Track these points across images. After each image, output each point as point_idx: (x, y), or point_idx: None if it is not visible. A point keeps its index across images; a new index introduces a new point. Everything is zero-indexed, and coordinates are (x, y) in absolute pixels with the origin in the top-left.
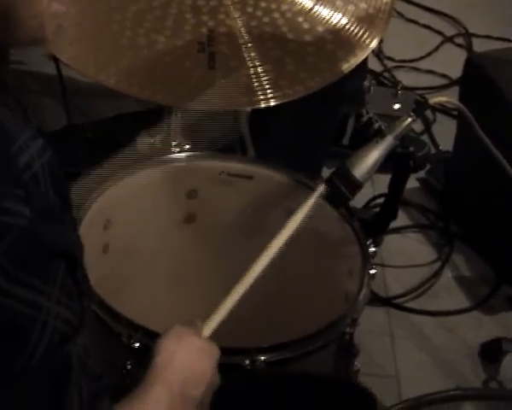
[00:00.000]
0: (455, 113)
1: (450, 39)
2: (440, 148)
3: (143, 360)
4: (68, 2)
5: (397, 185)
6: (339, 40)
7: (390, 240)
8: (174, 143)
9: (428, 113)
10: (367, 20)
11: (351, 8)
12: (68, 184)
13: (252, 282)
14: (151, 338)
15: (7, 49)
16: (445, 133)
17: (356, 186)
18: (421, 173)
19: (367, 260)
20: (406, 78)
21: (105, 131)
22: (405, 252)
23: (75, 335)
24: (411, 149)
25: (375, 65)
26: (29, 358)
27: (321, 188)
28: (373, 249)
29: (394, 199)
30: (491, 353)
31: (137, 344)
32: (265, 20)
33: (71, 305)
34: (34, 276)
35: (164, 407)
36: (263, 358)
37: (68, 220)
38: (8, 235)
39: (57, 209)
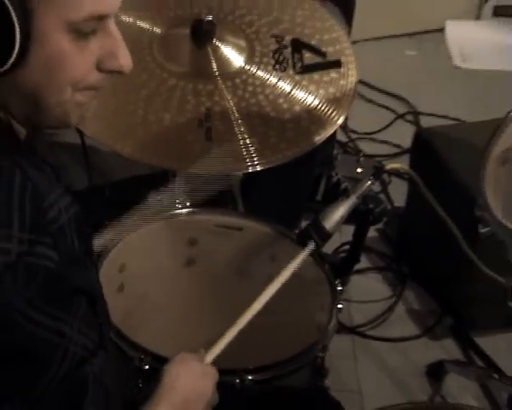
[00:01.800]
0: (406, 176)
1: (401, 116)
2: (395, 204)
3: (152, 380)
4: (91, 96)
5: (359, 236)
6: (312, 117)
7: (354, 279)
8: (178, 200)
9: (385, 176)
10: (335, 101)
11: (322, 91)
12: (91, 233)
13: (245, 323)
14: (158, 362)
15: (40, 128)
16: (399, 192)
17: (326, 236)
18: (379, 225)
19: (335, 296)
20: (366, 147)
21: (121, 191)
22: (366, 289)
23: (92, 358)
24: (371, 206)
25: (341, 136)
26: (51, 379)
27: (311, 246)
28: (340, 288)
29: (357, 246)
30: (435, 372)
31: (147, 367)
32: (252, 101)
33: (89, 333)
34: (59, 309)
35: None
36: (250, 377)
37: (90, 263)
38: (39, 275)
39: (80, 254)
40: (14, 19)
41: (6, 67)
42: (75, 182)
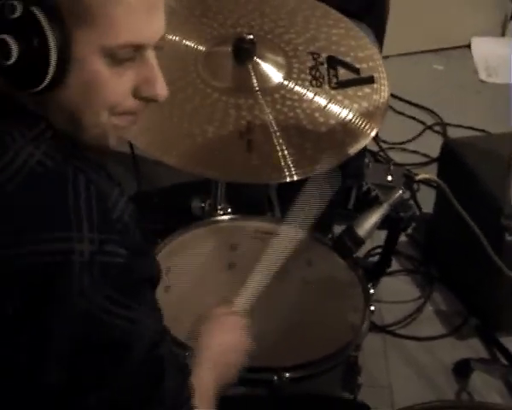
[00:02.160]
0: (434, 184)
1: (430, 127)
2: (423, 210)
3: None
4: (129, 121)
5: (391, 242)
6: (346, 130)
7: (385, 281)
8: (220, 207)
9: (414, 184)
10: (368, 115)
11: (355, 106)
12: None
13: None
14: None
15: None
16: (427, 199)
17: (360, 242)
18: (408, 230)
19: (368, 299)
20: (396, 156)
21: (167, 197)
22: (396, 290)
23: (163, 340)
24: (401, 214)
25: (373, 146)
26: (131, 364)
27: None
28: (372, 291)
29: (389, 252)
30: (462, 370)
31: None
32: (290, 114)
33: (157, 317)
34: (131, 299)
35: (211, 378)
36: (287, 375)
37: (149, 251)
38: (112, 271)
39: (142, 245)
40: (51, 41)
41: (42, 86)
42: (125, 188)
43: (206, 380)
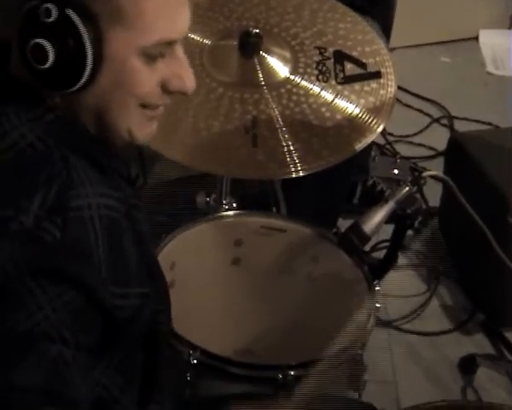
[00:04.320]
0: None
1: (436, 120)
2: (429, 204)
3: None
4: (153, 116)
5: (397, 238)
6: (353, 125)
7: (390, 276)
8: (225, 202)
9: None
10: (375, 110)
11: (362, 101)
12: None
13: None
14: (207, 356)
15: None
16: (433, 193)
17: (366, 239)
18: (415, 224)
19: (374, 296)
20: (403, 149)
21: (173, 190)
22: (402, 285)
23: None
24: (408, 211)
25: (379, 139)
26: (134, 335)
27: None
28: (378, 288)
29: (395, 248)
30: (467, 366)
31: (195, 361)
32: (296, 109)
33: (59, 316)
34: (36, 282)
35: None
36: (292, 373)
37: (93, 262)
38: (36, 246)
39: (87, 249)
40: (87, 43)
41: (77, 87)
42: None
43: None
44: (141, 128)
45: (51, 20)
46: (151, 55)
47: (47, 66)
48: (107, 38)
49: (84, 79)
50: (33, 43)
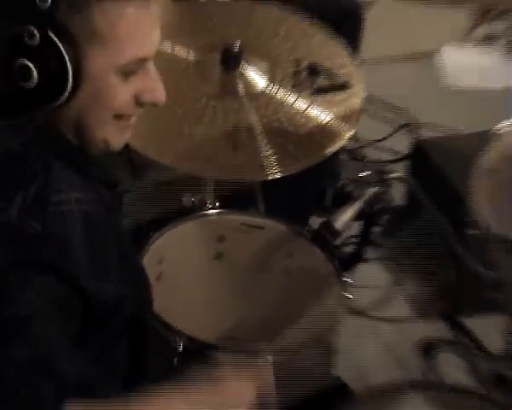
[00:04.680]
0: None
1: (403, 127)
2: (394, 202)
3: (186, 359)
4: (127, 125)
5: (365, 234)
6: (324, 132)
7: (361, 268)
8: (208, 202)
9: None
10: (344, 118)
11: (333, 110)
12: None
13: None
14: (191, 342)
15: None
16: (398, 192)
17: (337, 235)
18: (381, 221)
19: (344, 287)
20: (371, 153)
21: (160, 191)
22: (370, 276)
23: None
24: (375, 209)
25: (350, 144)
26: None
27: None
28: (348, 280)
29: (363, 243)
30: (429, 350)
31: (181, 347)
32: (273, 117)
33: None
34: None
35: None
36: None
37: (73, 255)
38: (21, 238)
39: (70, 243)
40: (68, 63)
41: (58, 103)
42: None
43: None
44: (116, 137)
45: (35, 42)
46: (126, 72)
47: (31, 84)
48: (86, 58)
49: (64, 96)
50: (18, 63)
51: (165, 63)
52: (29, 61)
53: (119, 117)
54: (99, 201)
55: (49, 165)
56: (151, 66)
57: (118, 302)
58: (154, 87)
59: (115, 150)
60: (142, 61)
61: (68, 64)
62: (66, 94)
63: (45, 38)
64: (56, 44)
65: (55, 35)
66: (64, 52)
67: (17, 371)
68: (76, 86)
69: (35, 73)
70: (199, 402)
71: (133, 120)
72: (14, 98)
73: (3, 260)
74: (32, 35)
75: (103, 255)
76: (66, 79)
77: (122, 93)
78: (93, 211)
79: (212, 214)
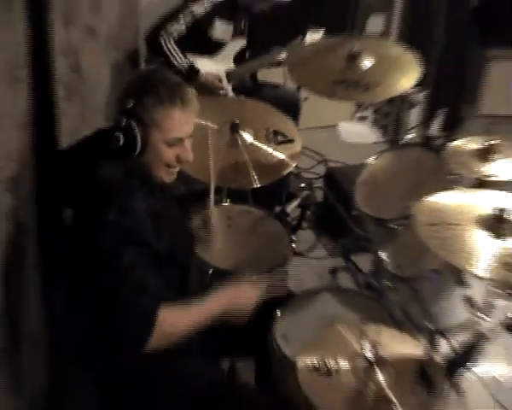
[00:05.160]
0: (323, 190)
1: (322, 161)
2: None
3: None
4: (174, 171)
5: (301, 216)
6: (281, 163)
7: (300, 233)
8: (224, 199)
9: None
10: (290, 156)
11: (285, 152)
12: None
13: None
14: (216, 270)
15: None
16: (319, 193)
17: (287, 215)
18: (309, 209)
19: (291, 239)
20: (305, 174)
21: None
22: (303, 236)
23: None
24: (306, 203)
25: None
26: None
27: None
28: (294, 237)
29: (301, 219)
30: (334, 272)
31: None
32: (256, 156)
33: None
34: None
35: (213, 303)
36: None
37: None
38: (117, 228)
39: (141, 227)
40: (138, 135)
41: (133, 156)
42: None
43: (204, 304)
44: (166, 176)
45: (123, 124)
46: (170, 143)
47: (119, 145)
48: (149, 134)
49: (135, 153)
50: (115, 135)
51: (201, 130)
52: (121, 133)
53: (168, 166)
54: (158, 202)
55: (130, 182)
56: (187, 142)
57: (169, 252)
58: (186, 153)
59: (167, 183)
60: (180, 140)
61: (138, 136)
62: (136, 153)
63: (129, 123)
64: (133, 127)
65: (134, 121)
66: (136, 131)
67: (129, 294)
68: (143, 149)
69: (122, 140)
70: (226, 296)
71: (176, 169)
72: (113, 152)
73: (110, 244)
74: (123, 120)
75: (159, 228)
76: (136, 144)
77: (168, 154)
78: (151, 206)
79: (226, 205)
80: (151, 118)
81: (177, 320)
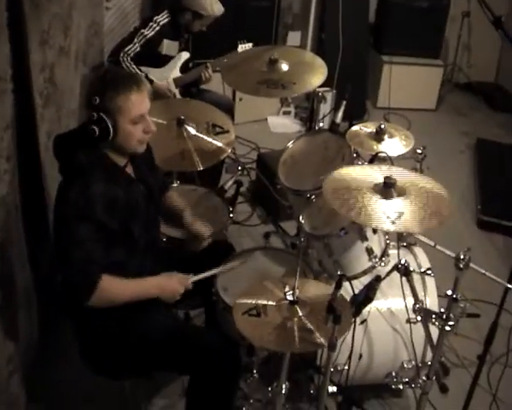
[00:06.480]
0: (255, 171)
1: (254, 148)
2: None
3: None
4: (144, 141)
5: (236, 192)
6: (219, 150)
7: (239, 206)
8: (174, 181)
9: (246, 170)
10: (227, 144)
11: (222, 141)
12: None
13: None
14: None
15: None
16: (252, 174)
17: (225, 191)
18: (242, 187)
19: (230, 212)
20: (240, 159)
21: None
22: (240, 208)
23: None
24: (240, 181)
25: (230, 154)
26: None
27: None
28: (231, 209)
29: (236, 195)
30: (267, 236)
31: None
32: (198, 145)
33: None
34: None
35: (141, 284)
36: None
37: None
38: (76, 204)
39: (95, 206)
40: (109, 124)
41: (108, 140)
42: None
43: (133, 282)
44: (139, 148)
45: (95, 117)
46: (135, 121)
47: (95, 134)
48: (117, 119)
49: (110, 138)
50: (91, 127)
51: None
52: (95, 126)
53: (138, 141)
54: (115, 184)
55: (94, 170)
56: (147, 116)
57: (123, 228)
58: (149, 125)
59: (140, 153)
60: (141, 116)
61: (109, 124)
62: (111, 137)
63: (99, 115)
64: (104, 118)
65: (103, 113)
66: (108, 121)
67: (76, 263)
68: (115, 133)
69: (97, 131)
70: (158, 281)
71: (146, 140)
72: (90, 140)
73: (69, 216)
74: (94, 115)
75: (114, 210)
76: (109, 131)
77: (136, 130)
78: (108, 190)
79: (176, 186)
80: (115, 106)
81: (115, 289)
